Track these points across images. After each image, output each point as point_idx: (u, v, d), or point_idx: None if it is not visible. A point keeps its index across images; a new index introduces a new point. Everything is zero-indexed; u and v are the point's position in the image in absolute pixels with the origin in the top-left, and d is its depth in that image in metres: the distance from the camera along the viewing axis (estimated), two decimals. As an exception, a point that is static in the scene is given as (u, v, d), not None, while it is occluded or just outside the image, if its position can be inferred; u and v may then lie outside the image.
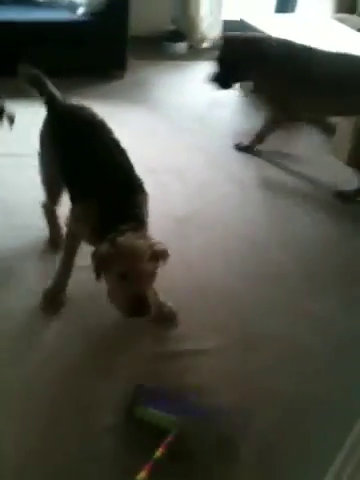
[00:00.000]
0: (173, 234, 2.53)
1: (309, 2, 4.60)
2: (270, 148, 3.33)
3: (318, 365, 1.96)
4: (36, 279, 2.18)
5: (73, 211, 1.97)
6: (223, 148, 3.37)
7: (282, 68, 2.88)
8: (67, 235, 2.04)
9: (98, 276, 1.68)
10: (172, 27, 4.72)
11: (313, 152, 3.42)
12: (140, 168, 1.97)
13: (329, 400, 1.83)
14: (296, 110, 3.13)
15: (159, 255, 1.72)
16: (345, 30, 3.85)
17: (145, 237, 1.74)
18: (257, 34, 3.41)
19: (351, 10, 4.12)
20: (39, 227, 2.40)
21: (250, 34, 3.21)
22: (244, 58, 2.89)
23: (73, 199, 1.99)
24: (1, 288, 2.16)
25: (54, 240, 2.37)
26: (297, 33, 3.62)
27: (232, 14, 4.75)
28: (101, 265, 1.67)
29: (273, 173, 3.17)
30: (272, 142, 3.31)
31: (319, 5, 4.30)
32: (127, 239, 1.67)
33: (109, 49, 3.95)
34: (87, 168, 1.93)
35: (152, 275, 1.70)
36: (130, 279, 1.63)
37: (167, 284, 1.99)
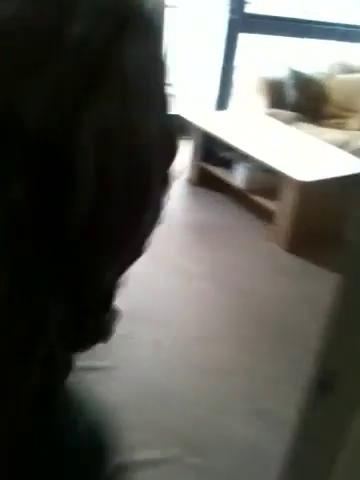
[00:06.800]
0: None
1: (242, 98, 4.86)
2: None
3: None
4: None
5: None
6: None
7: None
8: None
9: None
10: None
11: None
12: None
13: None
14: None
15: None
16: (276, 124, 4.08)
17: None
18: None
19: (280, 105, 4.36)
20: None
21: None
22: None
23: None
24: None
25: None
26: (233, 129, 3.81)
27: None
28: None
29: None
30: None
31: (253, 101, 4.54)
32: None
33: None
34: None
35: None
36: None
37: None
